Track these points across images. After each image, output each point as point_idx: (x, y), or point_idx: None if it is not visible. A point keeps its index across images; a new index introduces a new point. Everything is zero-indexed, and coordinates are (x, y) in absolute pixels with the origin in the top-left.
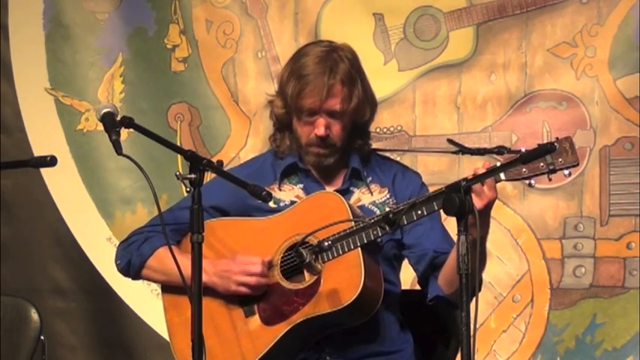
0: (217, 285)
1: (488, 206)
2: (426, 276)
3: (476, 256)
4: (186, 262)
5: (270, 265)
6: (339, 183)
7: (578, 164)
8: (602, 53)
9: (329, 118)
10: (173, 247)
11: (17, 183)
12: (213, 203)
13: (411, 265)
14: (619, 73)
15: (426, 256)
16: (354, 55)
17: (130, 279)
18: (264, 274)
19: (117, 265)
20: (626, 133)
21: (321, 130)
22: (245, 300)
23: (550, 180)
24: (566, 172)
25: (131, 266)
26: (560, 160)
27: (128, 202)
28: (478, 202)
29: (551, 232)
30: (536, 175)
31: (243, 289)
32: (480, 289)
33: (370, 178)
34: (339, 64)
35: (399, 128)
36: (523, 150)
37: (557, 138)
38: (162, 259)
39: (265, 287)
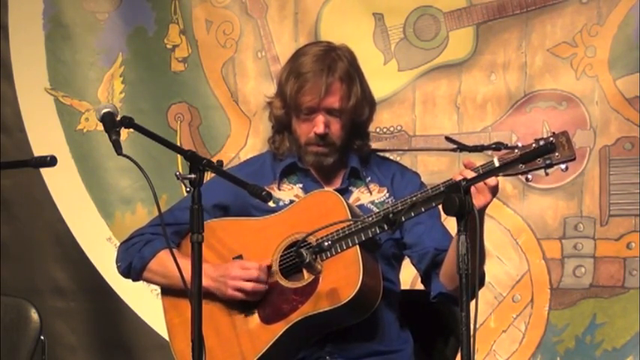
0: (214, 289)
1: (488, 204)
2: (429, 274)
3: (476, 254)
4: (187, 266)
5: (268, 271)
6: (338, 182)
7: (574, 158)
8: (602, 53)
9: (328, 116)
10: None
11: (17, 183)
12: (215, 201)
13: (414, 265)
14: (619, 73)
15: (427, 255)
16: (352, 54)
17: (130, 280)
18: (260, 280)
19: (117, 266)
20: (626, 133)
21: (320, 128)
22: (244, 300)
23: (547, 174)
24: (563, 166)
25: (132, 269)
26: (556, 154)
27: (128, 202)
28: (479, 201)
29: (551, 232)
30: (533, 170)
31: (238, 295)
32: (482, 285)
33: (369, 178)
34: (338, 62)
35: (398, 128)
36: (520, 145)
37: (553, 133)
38: (164, 262)
39: (262, 293)
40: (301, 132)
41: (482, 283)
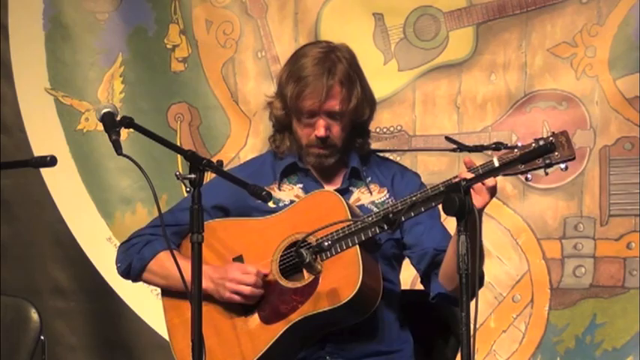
0: (212, 291)
1: (487, 204)
2: (428, 274)
3: (476, 253)
4: (187, 267)
5: (265, 277)
6: (338, 182)
7: (574, 158)
8: (602, 53)
9: (329, 119)
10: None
11: (17, 183)
12: (215, 203)
13: (413, 266)
14: (619, 73)
15: (426, 255)
16: (351, 55)
17: (130, 281)
18: (258, 285)
19: (117, 267)
20: (626, 133)
21: (321, 132)
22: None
23: (547, 174)
24: (563, 166)
25: (132, 269)
26: (556, 154)
27: (128, 202)
28: (477, 201)
29: (551, 232)
30: (533, 170)
31: (236, 298)
32: (482, 285)
33: (370, 178)
34: (338, 64)
35: (398, 128)
36: (520, 145)
37: (553, 132)
38: (163, 263)
39: (259, 297)
40: (302, 134)
41: (481, 284)
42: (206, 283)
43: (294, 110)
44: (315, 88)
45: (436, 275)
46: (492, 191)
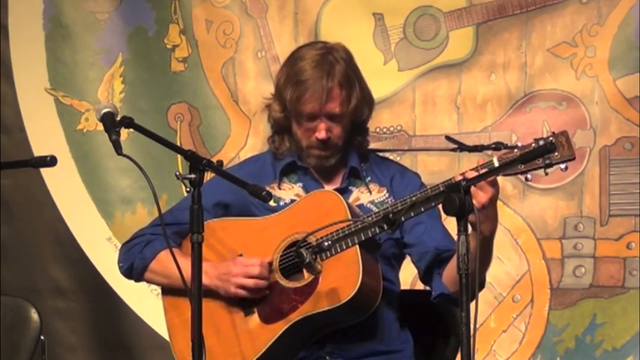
0: (218, 287)
1: (492, 201)
2: (430, 273)
3: (477, 255)
4: (187, 265)
5: (270, 267)
6: (338, 182)
7: (574, 158)
8: (602, 53)
9: (329, 121)
10: (174, 250)
11: (17, 183)
12: (216, 200)
13: (413, 263)
14: (619, 73)
15: (427, 254)
16: (348, 54)
17: (132, 281)
18: (263, 276)
19: (120, 267)
20: (626, 133)
21: (322, 134)
22: (245, 299)
23: (546, 174)
24: (563, 166)
25: (134, 269)
26: (556, 154)
27: (128, 202)
28: (482, 198)
29: (551, 232)
30: (533, 170)
31: (241, 292)
32: (482, 288)
33: (369, 178)
34: (336, 66)
35: (398, 128)
36: (519, 145)
37: (553, 132)
38: (164, 263)
39: (265, 290)
40: (302, 136)
41: (482, 286)
42: (211, 281)
43: (294, 114)
44: (314, 91)
45: (439, 275)
46: (494, 184)
